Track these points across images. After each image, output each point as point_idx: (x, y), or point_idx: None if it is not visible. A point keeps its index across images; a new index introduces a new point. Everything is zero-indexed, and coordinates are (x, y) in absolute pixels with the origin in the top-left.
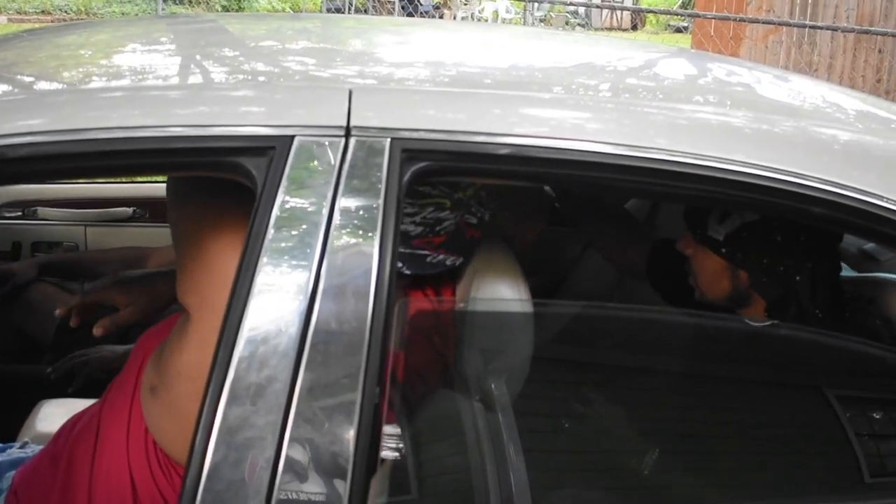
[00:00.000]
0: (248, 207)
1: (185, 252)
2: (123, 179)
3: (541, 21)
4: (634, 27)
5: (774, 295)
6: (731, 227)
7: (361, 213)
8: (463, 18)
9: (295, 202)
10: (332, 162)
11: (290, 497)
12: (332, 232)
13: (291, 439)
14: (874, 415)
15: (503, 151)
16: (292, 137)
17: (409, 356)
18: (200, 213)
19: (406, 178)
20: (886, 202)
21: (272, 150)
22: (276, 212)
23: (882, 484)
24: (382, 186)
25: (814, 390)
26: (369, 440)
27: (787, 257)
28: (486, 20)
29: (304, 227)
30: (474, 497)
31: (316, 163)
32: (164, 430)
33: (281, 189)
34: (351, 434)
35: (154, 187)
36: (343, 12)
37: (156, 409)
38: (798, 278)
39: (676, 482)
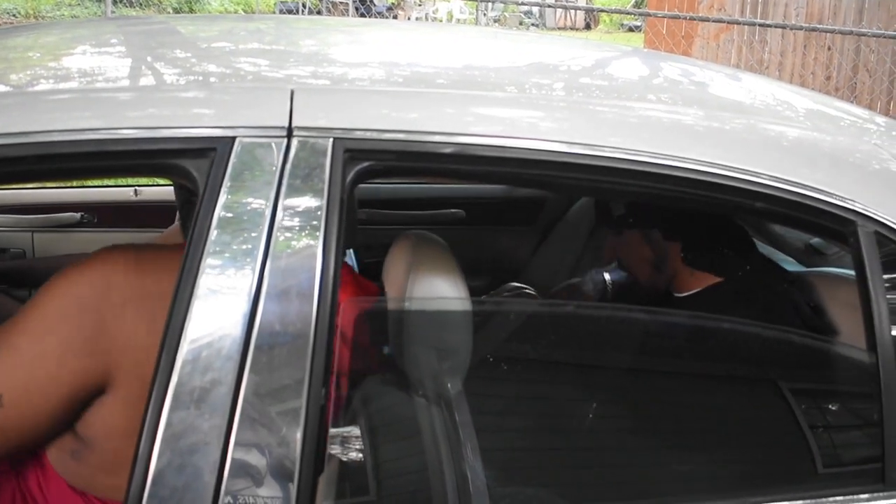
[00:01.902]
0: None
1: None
2: (71, 183)
3: (495, 21)
4: (588, 27)
5: (689, 241)
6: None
7: (305, 213)
8: (417, 19)
9: (237, 204)
10: (275, 163)
11: (237, 501)
12: (276, 233)
13: (237, 443)
14: (806, 404)
15: (453, 150)
16: (234, 139)
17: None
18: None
19: (349, 178)
20: (834, 198)
21: (213, 151)
22: (218, 213)
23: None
24: (325, 187)
25: (740, 381)
26: (316, 442)
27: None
28: (441, 21)
29: (247, 228)
30: (431, 497)
31: (258, 164)
32: (101, 483)
33: (223, 190)
34: (297, 436)
35: (102, 192)
36: (296, 14)
37: (85, 470)
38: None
39: (628, 477)
